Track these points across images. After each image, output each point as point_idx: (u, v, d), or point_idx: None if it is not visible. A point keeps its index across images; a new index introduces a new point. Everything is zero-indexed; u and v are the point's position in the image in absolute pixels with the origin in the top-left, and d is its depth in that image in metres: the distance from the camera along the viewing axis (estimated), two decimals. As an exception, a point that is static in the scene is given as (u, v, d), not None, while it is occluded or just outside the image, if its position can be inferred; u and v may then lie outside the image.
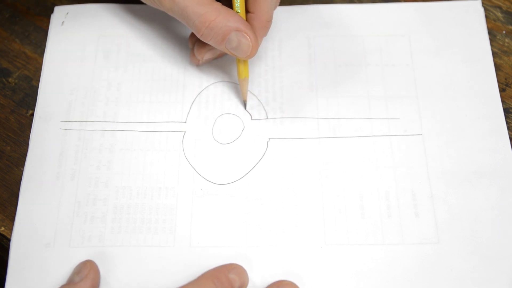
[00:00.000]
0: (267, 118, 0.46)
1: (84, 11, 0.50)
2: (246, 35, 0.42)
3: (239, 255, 0.41)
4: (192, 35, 0.47)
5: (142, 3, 0.47)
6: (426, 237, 0.41)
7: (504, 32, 0.50)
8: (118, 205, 0.43)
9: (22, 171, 0.44)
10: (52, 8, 0.50)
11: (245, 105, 0.46)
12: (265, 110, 0.46)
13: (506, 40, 0.49)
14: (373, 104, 0.46)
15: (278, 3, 0.46)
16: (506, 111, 0.46)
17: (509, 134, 0.45)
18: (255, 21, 0.44)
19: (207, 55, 0.46)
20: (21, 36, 0.50)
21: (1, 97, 0.48)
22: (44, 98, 0.47)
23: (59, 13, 0.50)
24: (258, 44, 0.43)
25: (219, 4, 0.43)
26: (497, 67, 0.48)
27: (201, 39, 0.43)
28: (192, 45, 0.47)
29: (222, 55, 0.48)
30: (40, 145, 0.45)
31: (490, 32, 0.50)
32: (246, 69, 0.45)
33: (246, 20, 0.44)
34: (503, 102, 0.47)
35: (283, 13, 0.50)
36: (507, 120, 0.46)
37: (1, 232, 0.42)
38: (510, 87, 0.48)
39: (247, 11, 0.44)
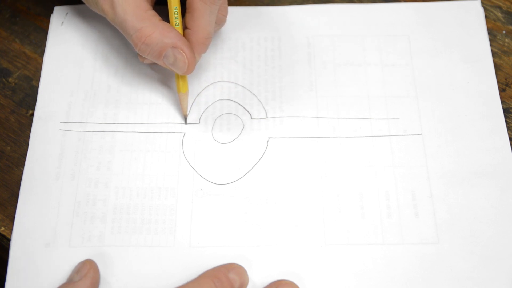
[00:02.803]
0: (267, 117, 0.46)
1: (83, 12, 0.50)
2: (182, 51, 0.42)
3: (239, 255, 0.41)
4: None
5: None
6: (426, 237, 0.41)
7: (504, 32, 0.50)
8: (118, 206, 0.43)
9: (22, 171, 0.44)
10: (52, 8, 0.50)
11: (185, 119, 0.46)
12: (264, 109, 0.46)
13: (506, 40, 0.49)
14: (373, 104, 0.46)
15: (224, 22, 0.46)
16: (506, 111, 0.46)
17: (509, 134, 0.45)
18: (192, 37, 0.43)
19: (147, 61, 0.46)
20: (21, 36, 0.50)
21: (1, 97, 0.48)
22: (43, 99, 0.47)
23: (59, 13, 0.50)
24: (195, 60, 0.43)
25: (158, 18, 0.42)
26: (497, 67, 0.48)
27: (139, 53, 0.43)
28: None
29: None
30: (40, 146, 0.45)
31: (490, 32, 0.50)
32: (185, 84, 0.45)
33: (185, 35, 0.44)
34: (503, 102, 0.47)
35: (283, 13, 0.50)
36: (507, 120, 0.46)
37: (1, 232, 0.42)
38: (510, 87, 0.48)
39: (185, 27, 0.44)
